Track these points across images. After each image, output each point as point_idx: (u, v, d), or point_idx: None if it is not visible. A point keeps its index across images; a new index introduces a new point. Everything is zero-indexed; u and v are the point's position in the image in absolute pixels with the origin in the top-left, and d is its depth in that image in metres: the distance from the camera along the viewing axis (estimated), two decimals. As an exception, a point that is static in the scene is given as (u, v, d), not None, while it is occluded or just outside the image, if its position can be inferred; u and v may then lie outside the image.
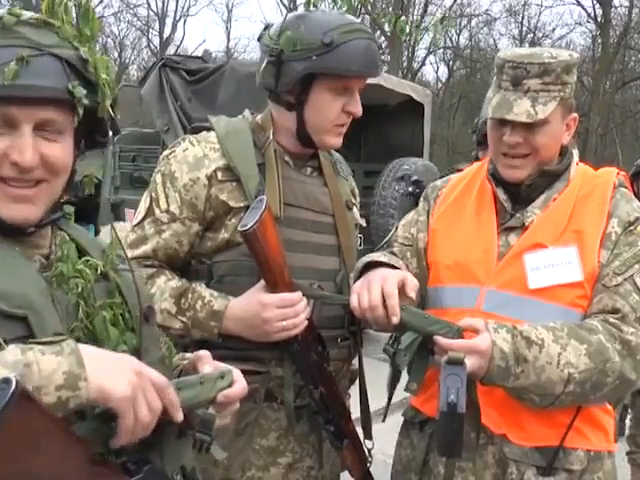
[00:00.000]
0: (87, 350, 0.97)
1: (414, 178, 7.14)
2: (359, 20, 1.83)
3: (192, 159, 1.75)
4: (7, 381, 0.81)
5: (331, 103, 1.74)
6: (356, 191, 2.03)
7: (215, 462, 1.71)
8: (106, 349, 1.08)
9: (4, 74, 1.02)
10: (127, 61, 29.17)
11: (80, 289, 1.10)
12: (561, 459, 1.69)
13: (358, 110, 1.77)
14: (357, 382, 1.93)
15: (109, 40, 28.31)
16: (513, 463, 1.69)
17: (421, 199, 2.02)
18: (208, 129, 1.83)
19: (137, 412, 0.97)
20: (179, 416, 1.05)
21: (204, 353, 1.24)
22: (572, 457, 1.70)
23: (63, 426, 0.89)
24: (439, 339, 1.58)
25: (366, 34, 1.75)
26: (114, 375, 0.96)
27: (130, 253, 1.74)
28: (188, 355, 1.32)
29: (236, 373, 1.21)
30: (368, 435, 1.91)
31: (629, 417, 4.22)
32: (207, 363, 1.21)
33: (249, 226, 1.57)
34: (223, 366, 1.22)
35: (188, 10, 28.31)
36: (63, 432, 0.88)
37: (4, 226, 1.08)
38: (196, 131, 1.86)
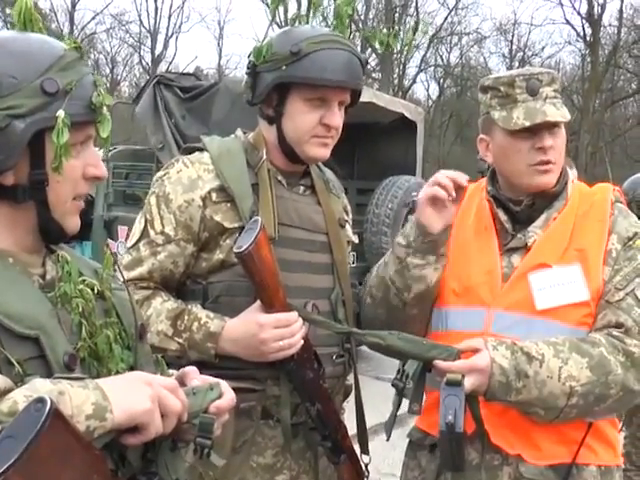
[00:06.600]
0: (105, 382, 1.01)
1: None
2: (342, 35, 1.79)
3: (186, 180, 1.76)
4: (42, 400, 0.85)
5: (306, 114, 1.74)
6: (348, 208, 2.03)
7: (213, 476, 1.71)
8: (109, 367, 1.13)
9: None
10: (119, 78, 29.23)
11: (81, 309, 1.13)
12: (574, 475, 1.70)
13: (333, 122, 1.75)
14: (352, 398, 1.94)
15: (101, 57, 28.38)
16: None
17: None
18: (200, 149, 1.84)
19: (157, 420, 1.03)
20: (185, 416, 1.10)
21: (191, 368, 1.26)
22: (585, 473, 1.72)
23: (89, 444, 0.93)
24: (439, 363, 1.60)
25: (340, 45, 1.74)
26: (132, 394, 1.01)
27: (125, 275, 1.74)
28: (172, 372, 1.33)
29: (224, 385, 1.23)
30: (365, 450, 1.93)
31: (623, 435, 4.22)
32: (195, 378, 1.23)
33: (244, 247, 1.58)
34: (210, 379, 1.24)
35: (180, 27, 28.36)
36: (89, 449, 0.92)
37: (55, 238, 1.17)
38: (188, 151, 1.87)
